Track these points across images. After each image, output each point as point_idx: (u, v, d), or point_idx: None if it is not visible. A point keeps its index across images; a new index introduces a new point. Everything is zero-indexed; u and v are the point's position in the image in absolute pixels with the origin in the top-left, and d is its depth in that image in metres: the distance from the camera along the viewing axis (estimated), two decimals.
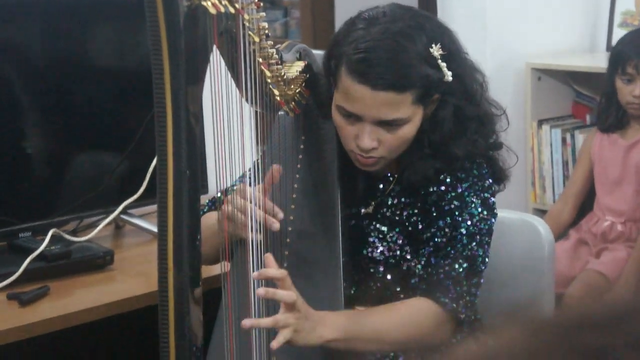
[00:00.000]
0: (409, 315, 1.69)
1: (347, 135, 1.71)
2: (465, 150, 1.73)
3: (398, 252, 1.77)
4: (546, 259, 2.01)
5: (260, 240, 1.63)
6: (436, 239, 1.73)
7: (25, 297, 1.90)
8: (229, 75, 1.72)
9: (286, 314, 1.57)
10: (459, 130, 1.74)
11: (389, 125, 1.68)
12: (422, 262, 1.73)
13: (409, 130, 1.70)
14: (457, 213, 1.73)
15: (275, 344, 1.55)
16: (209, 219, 1.75)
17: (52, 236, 2.08)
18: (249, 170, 1.70)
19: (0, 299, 1.91)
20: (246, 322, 1.57)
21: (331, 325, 1.61)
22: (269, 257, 1.60)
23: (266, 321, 1.58)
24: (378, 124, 1.67)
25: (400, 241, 1.77)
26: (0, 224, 2.07)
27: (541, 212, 3.26)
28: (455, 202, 1.74)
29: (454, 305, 1.68)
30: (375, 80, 1.64)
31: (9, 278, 1.96)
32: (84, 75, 2.20)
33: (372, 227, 1.79)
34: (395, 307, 1.71)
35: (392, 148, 1.71)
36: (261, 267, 1.61)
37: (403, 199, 1.78)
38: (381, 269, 1.78)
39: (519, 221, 2.05)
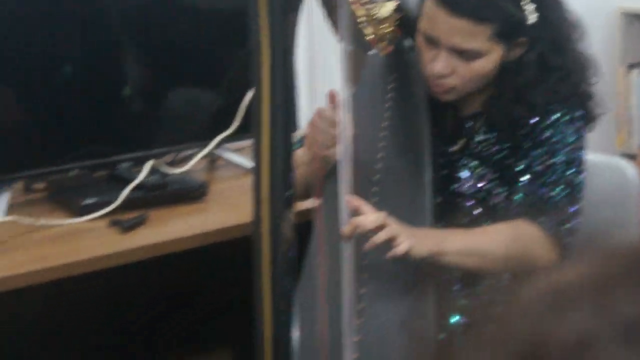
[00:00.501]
0: (513, 233, 1.72)
1: (425, 60, 1.74)
2: (545, 99, 1.75)
3: (487, 187, 1.80)
4: (633, 201, 2.02)
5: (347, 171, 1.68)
6: (534, 169, 1.75)
7: (125, 224, 1.99)
8: (322, 14, 1.76)
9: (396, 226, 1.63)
10: (541, 78, 1.76)
11: (464, 55, 1.70)
12: (520, 192, 1.76)
13: (483, 65, 1.72)
14: (552, 141, 1.75)
15: (397, 252, 1.61)
16: (298, 156, 1.80)
17: (151, 167, 2.17)
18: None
19: (102, 226, 2.01)
20: (346, 231, 1.63)
21: (434, 237, 1.67)
22: (352, 200, 1.65)
23: (382, 235, 1.62)
24: (454, 51, 1.71)
25: (490, 175, 1.80)
26: (102, 154, 2.17)
27: (627, 157, 3.24)
28: (549, 132, 1.76)
29: (558, 229, 1.72)
30: (454, 6, 1.67)
31: (110, 206, 2.05)
32: (180, 12, 2.26)
33: (460, 164, 1.83)
34: (499, 225, 1.74)
35: (465, 79, 1.74)
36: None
37: (492, 134, 1.82)
38: (469, 204, 1.82)
39: (606, 164, 2.06)
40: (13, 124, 2.09)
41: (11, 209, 2.05)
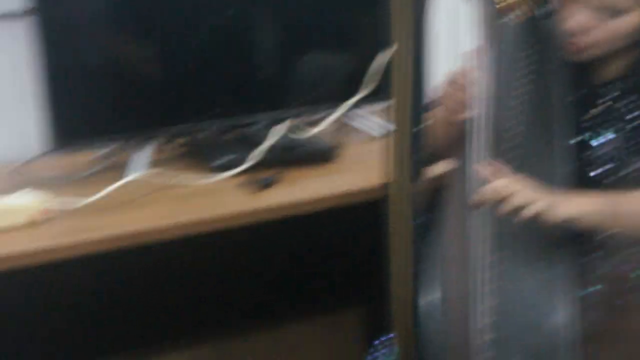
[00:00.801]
0: None
1: (564, 16, 1.73)
2: None
3: (621, 155, 1.78)
4: None
5: (481, 136, 1.68)
6: None
7: (258, 183, 2.04)
8: None
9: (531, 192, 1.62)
10: None
11: (605, 11, 1.69)
12: None
13: (624, 24, 1.70)
14: None
15: (527, 213, 1.61)
16: (431, 118, 1.82)
17: (282, 129, 2.22)
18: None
19: (235, 184, 2.06)
20: (477, 199, 1.63)
21: (576, 201, 1.66)
22: (483, 167, 1.65)
23: (513, 201, 1.63)
24: (595, 7, 1.69)
25: (625, 144, 1.78)
26: (236, 115, 2.22)
27: None
28: None
29: None
30: None
31: (243, 165, 2.10)
32: None
33: (595, 131, 1.81)
34: None
35: (604, 37, 1.71)
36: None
37: (630, 101, 1.79)
38: (602, 172, 1.80)
39: None
40: (155, 85, 2.15)
41: (152, 164, 2.13)
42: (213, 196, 2.01)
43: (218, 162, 2.12)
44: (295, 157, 2.19)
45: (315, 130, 2.30)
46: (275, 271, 2.49)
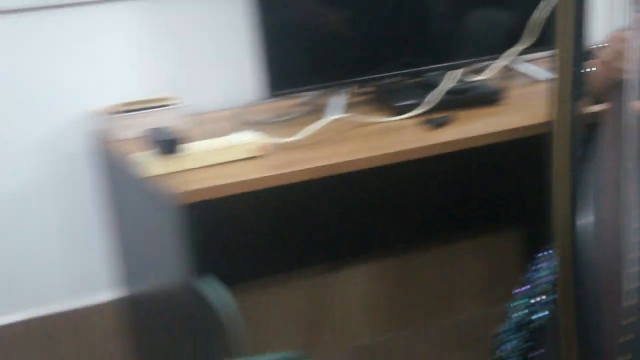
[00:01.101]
0: None
1: None
2: None
3: None
4: None
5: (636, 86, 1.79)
6: None
7: (435, 122, 2.25)
8: None
9: None
10: None
11: None
12: None
13: None
14: None
15: None
16: (590, 66, 1.95)
17: (455, 75, 2.44)
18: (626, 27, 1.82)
19: (415, 123, 2.27)
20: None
21: None
22: (638, 104, 1.75)
23: None
24: None
25: None
26: (416, 64, 2.45)
27: None
28: None
29: None
30: None
31: (423, 106, 2.32)
32: None
33: None
34: None
35: None
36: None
37: None
38: None
39: None
40: (351, 41, 2.38)
41: (346, 107, 2.37)
42: (397, 133, 2.18)
43: (401, 104, 2.32)
44: (466, 99, 2.36)
45: (484, 76, 2.49)
46: (448, 197, 2.71)
